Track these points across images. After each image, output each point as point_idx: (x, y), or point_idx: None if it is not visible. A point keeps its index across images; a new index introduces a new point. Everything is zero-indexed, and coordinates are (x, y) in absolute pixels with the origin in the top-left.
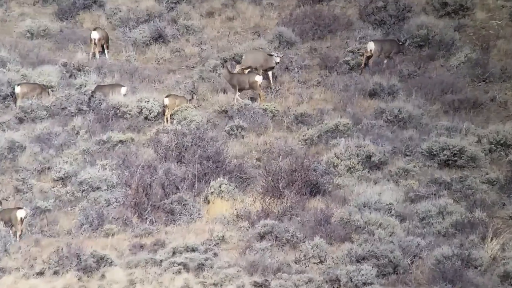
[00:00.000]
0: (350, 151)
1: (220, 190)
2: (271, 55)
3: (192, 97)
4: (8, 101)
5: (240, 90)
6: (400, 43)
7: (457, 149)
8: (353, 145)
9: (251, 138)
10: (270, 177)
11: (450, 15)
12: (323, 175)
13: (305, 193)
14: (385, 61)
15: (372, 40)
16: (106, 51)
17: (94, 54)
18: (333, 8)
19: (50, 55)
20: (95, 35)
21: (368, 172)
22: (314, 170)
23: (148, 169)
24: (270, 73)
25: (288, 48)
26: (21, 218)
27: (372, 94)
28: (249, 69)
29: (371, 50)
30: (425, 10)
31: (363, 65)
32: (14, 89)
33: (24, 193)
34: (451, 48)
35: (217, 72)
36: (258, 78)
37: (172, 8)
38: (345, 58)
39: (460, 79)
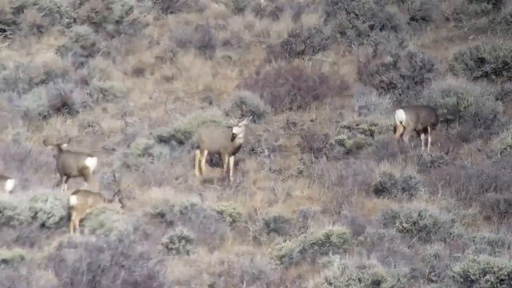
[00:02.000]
0: (349, 274)
1: None
2: (230, 127)
3: (114, 195)
4: None
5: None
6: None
7: (506, 273)
8: (352, 266)
9: (200, 255)
10: None
11: (489, 77)
12: None
13: None
14: (428, 140)
15: (401, 108)
16: None
17: None
18: (319, 65)
19: None
20: None
21: None
22: None
23: None
24: (232, 157)
25: (255, 121)
26: None
27: (379, 190)
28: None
29: (401, 122)
30: (453, 69)
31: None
32: None
33: None
34: (492, 125)
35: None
36: (90, 162)
37: (82, 63)
38: (338, 137)
39: (507, 171)
